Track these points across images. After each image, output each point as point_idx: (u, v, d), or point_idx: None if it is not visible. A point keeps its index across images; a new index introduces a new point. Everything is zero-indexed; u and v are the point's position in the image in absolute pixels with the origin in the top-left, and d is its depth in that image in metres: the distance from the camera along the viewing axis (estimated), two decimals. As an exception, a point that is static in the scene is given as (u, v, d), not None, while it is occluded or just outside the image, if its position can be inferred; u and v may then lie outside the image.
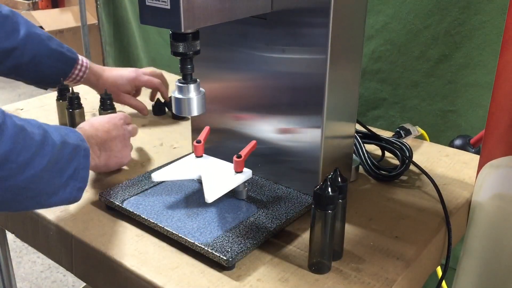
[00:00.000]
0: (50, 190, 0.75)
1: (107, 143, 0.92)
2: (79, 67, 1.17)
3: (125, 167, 1.03)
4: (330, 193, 0.71)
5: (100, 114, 1.14)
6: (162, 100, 1.29)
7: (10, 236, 1.26)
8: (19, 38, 1.06)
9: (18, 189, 0.70)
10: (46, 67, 1.12)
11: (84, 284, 1.79)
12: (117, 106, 1.19)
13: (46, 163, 0.72)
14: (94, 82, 1.22)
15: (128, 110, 1.28)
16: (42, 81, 1.16)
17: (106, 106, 1.13)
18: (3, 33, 1.05)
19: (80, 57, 1.18)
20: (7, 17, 1.06)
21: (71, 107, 1.05)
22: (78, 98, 1.06)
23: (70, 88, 1.10)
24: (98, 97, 1.42)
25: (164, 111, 1.29)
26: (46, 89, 1.20)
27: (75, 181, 0.78)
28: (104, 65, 2.45)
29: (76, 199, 0.80)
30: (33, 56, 1.09)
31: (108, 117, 0.96)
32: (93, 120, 0.94)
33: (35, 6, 4.45)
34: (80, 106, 1.06)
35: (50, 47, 1.11)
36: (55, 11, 4.28)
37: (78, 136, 0.81)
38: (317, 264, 0.75)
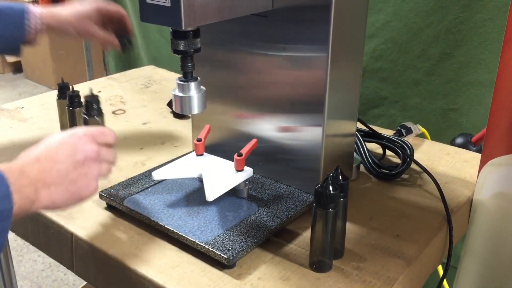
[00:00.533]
0: None
1: (50, 176, 0.68)
2: (32, 15, 1.01)
3: (124, 165, 1.03)
4: (331, 192, 0.70)
5: (83, 122, 0.97)
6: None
7: (11, 235, 1.26)
8: None
9: None
10: None
11: (85, 283, 1.80)
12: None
13: None
14: (54, 24, 1.04)
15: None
16: (2, 48, 1.03)
17: (92, 111, 0.96)
18: None
19: (28, 5, 1.03)
20: None
21: (71, 105, 1.05)
22: (78, 96, 1.06)
23: (70, 87, 1.09)
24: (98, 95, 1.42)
25: (131, 43, 1.12)
26: (16, 54, 1.05)
27: None
28: (105, 64, 2.45)
29: None
30: None
31: (62, 136, 0.72)
32: (41, 144, 0.71)
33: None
34: (80, 104, 1.05)
35: None
36: (56, 9, 4.27)
37: None
38: (318, 262, 0.75)
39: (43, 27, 1.03)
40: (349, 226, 0.81)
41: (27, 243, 2.36)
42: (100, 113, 0.98)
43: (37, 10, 1.03)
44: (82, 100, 1.02)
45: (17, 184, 0.64)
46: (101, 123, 0.97)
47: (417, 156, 1.05)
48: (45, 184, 0.67)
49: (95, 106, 0.96)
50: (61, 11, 1.05)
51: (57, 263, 2.38)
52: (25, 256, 2.33)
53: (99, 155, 0.73)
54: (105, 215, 0.87)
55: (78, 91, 1.06)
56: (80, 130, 0.73)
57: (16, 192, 0.63)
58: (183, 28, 0.69)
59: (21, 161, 0.68)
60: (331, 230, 0.73)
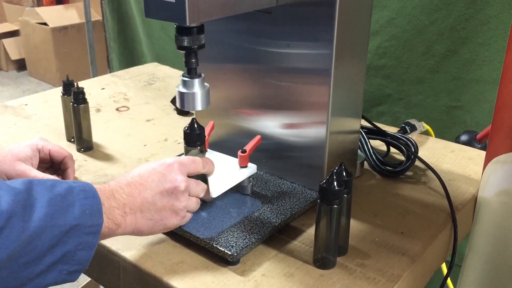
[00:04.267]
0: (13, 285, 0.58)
1: (136, 202, 0.69)
2: None
3: (127, 162, 1.03)
4: (336, 188, 0.70)
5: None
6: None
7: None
8: None
9: None
10: None
11: (89, 279, 1.80)
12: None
13: (5, 257, 0.56)
14: None
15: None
16: None
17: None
18: None
19: None
20: None
21: (75, 102, 1.05)
22: (83, 93, 1.06)
23: (75, 83, 1.10)
24: (102, 93, 1.42)
25: None
26: None
27: (64, 265, 0.61)
28: (108, 61, 2.45)
29: (66, 281, 0.63)
30: None
31: (155, 164, 0.73)
32: (136, 169, 0.72)
33: (39, 3, 4.46)
34: (85, 101, 1.05)
35: None
36: (59, 7, 4.28)
37: (88, 207, 0.63)
38: (322, 259, 0.75)
39: None
40: (353, 223, 0.81)
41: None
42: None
43: None
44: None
45: (106, 204, 0.65)
46: (200, 153, 0.87)
47: (421, 153, 1.05)
48: (132, 210, 0.68)
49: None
50: None
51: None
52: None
53: (188, 188, 0.73)
54: (109, 212, 0.87)
55: (82, 88, 1.06)
56: (172, 159, 0.74)
57: (105, 212, 0.65)
58: (188, 24, 0.69)
59: (113, 184, 0.69)
60: (336, 226, 0.73)
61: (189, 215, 0.76)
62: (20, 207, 0.58)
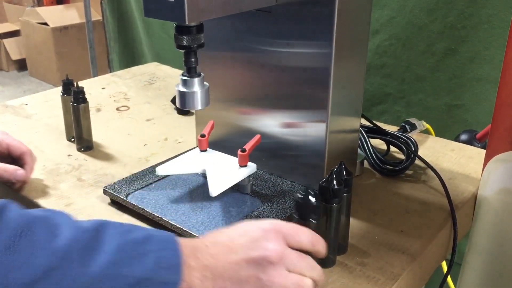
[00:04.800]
0: None
1: (219, 266, 0.56)
2: None
3: (128, 161, 1.03)
4: (336, 187, 0.70)
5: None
6: None
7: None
8: None
9: None
10: None
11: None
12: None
13: None
14: None
15: None
16: None
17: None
18: None
19: None
20: None
21: (75, 101, 1.05)
22: (82, 92, 1.06)
23: (75, 83, 1.10)
24: (102, 92, 1.43)
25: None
26: None
27: None
28: (108, 61, 2.46)
29: None
30: None
31: (254, 224, 0.60)
32: (231, 228, 0.60)
33: (40, 3, 4.46)
34: (85, 100, 1.05)
35: None
36: (60, 7, 4.29)
37: (162, 261, 0.53)
38: (322, 258, 0.74)
39: None
40: (353, 221, 0.81)
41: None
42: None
43: None
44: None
45: (186, 263, 0.55)
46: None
47: (421, 152, 1.05)
48: (214, 275, 0.56)
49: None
50: None
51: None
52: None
53: (283, 260, 0.57)
54: (109, 211, 0.87)
55: (82, 87, 1.06)
56: (270, 223, 0.60)
57: (183, 271, 0.54)
58: (187, 23, 0.69)
59: (198, 241, 0.59)
60: (335, 225, 0.73)
61: None
62: (81, 247, 0.51)
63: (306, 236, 0.61)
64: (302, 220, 0.68)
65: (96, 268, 0.50)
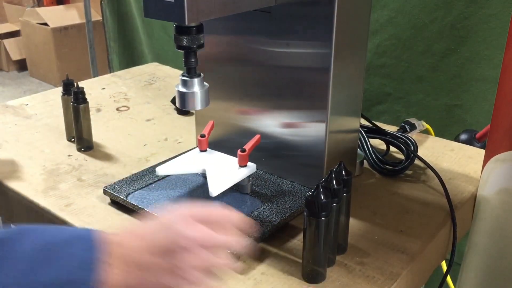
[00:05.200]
0: None
1: (132, 258, 0.57)
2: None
3: (128, 161, 1.04)
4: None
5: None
6: None
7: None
8: None
9: None
10: None
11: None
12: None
13: None
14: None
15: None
16: None
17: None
18: None
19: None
20: None
21: (75, 101, 1.05)
22: (83, 92, 1.06)
23: (75, 83, 1.10)
24: (102, 93, 1.43)
25: None
26: None
27: None
28: (108, 61, 2.46)
29: None
30: None
31: (166, 214, 0.61)
32: (140, 224, 0.63)
33: (40, 3, 4.46)
34: (85, 101, 1.06)
35: None
36: (60, 8, 4.28)
37: (86, 259, 0.54)
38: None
39: None
40: (352, 221, 0.81)
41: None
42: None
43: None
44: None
45: (102, 257, 0.55)
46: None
47: (421, 152, 1.05)
48: (131, 268, 0.56)
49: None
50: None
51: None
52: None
53: (193, 246, 0.58)
54: (109, 211, 0.88)
55: (82, 87, 1.06)
56: (183, 209, 0.61)
57: (99, 266, 0.54)
58: (187, 24, 0.69)
59: (115, 235, 0.59)
60: (335, 225, 0.72)
61: (192, 278, 0.58)
62: None
63: (219, 215, 0.62)
64: (312, 217, 0.68)
65: (10, 280, 0.50)
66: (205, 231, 0.58)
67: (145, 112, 1.29)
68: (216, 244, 0.59)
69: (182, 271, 0.57)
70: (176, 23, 0.72)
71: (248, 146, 0.86)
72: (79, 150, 1.08)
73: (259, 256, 0.77)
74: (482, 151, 0.98)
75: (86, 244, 0.55)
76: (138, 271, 0.57)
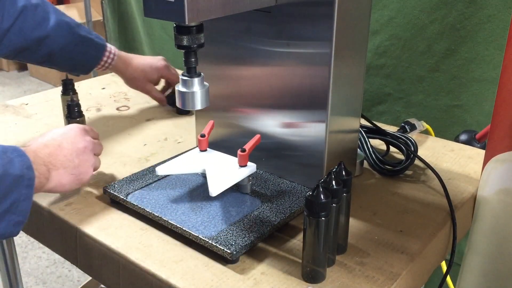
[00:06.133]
0: None
1: (58, 160, 0.80)
2: (107, 53, 1.15)
3: (127, 161, 1.04)
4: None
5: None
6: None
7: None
8: (50, 27, 1.05)
9: None
10: (77, 54, 1.11)
11: (90, 279, 1.80)
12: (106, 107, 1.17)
13: None
14: (122, 69, 1.21)
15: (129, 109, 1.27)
16: (74, 68, 1.14)
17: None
18: (34, 22, 1.04)
19: (108, 44, 1.17)
20: (37, 6, 1.05)
21: (70, 115, 1.04)
22: (78, 105, 1.05)
23: (71, 96, 1.09)
24: (103, 92, 1.43)
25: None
26: (78, 75, 1.17)
27: (12, 215, 0.70)
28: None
29: (12, 234, 0.72)
30: (64, 44, 1.08)
31: (63, 129, 0.85)
32: (45, 135, 0.83)
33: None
34: (80, 114, 1.05)
35: (79, 34, 1.10)
36: (60, 7, 4.28)
37: (24, 163, 0.72)
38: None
39: (111, 66, 1.19)
40: (352, 221, 0.82)
41: (32, 240, 2.37)
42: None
43: (114, 51, 1.18)
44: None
45: (33, 162, 0.74)
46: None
47: (421, 153, 1.05)
48: (55, 166, 0.79)
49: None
50: (132, 60, 1.23)
51: (62, 260, 2.38)
52: (30, 253, 2.34)
53: (94, 146, 0.87)
54: (109, 210, 0.88)
55: (77, 100, 1.06)
56: (77, 125, 0.87)
57: (35, 168, 0.73)
58: (187, 23, 0.69)
59: (32, 146, 0.79)
60: (334, 225, 0.73)
61: (91, 171, 0.87)
62: None
63: (95, 131, 0.92)
64: (312, 217, 0.68)
65: None
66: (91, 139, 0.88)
67: (145, 112, 1.30)
68: (100, 151, 0.91)
69: (91, 167, 0.86)
70: (176, 23, 0.72)
71: (248, 146, 0.86)
72: (79, 149, 1.08)
73: (259, 256, 0.77)
74: (482, 152, 0.98)
75: (18, 152, 0.72)
76: (62, 168, 0.80)
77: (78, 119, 1.05)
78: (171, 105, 1.29)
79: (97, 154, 0.89)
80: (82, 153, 0.84)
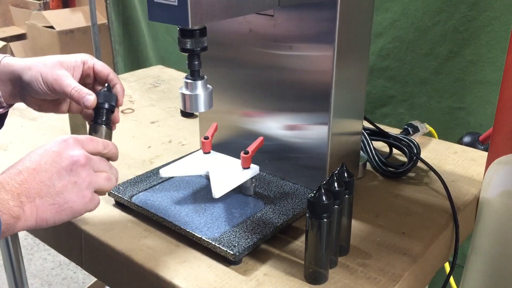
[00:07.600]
0: None
1: (32, 188, 0.61)
2: None
3: (132, 163, 1.04)
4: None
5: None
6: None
7: (21, 233, 1.27)
8: None
9: None
10: None
11: (94, 280, 1.81)
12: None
13: None
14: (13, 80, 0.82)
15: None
16: None
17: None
18: None
19: None
20: None
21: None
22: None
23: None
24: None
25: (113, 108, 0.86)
26: None
27: None
28: (113, 64, 2.47)
29: None
30: None
31: (46, 145, 0.65)
32: (24, 157, 0.64)
33: (46, 6, 4.48)
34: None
35: None
36: (66, 11, 4.31)
37: None
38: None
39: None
40: (355, 223, 0.82)
41: (37, 242, 2.38)
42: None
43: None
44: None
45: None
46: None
47: (424, 155, 1.06)
48: (29, 198, 0.61)
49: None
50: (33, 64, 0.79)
51: (67, 262, 2.38)
52: (36, 255, 2.35)
53: (90, 161, 0.65)
54: (113, 212, 0.88)
55: None
56: (64, 136, 0.66)
57: None
58: (190, 27, 0.70)
59: (1, 176, 0.62)
60: (337, 227, 0.73)
61: (97, 198, 0.66)
62: None
63: (98, 141, 0.69)
64: (314, 218, 0.68)
65: None
66: (86, 152, 0.66)
67: (149, 114, 1.30)
68: (106, 166, 0.69)
69: (86, 190, 0.65)
70: (179, 26, 0.73)
71: (251, 148, 0.86)
72: (84, 152, 1.08)
73: (262, 257, 0.77)
74: (485, 154, 0.98)
75: None
76: (39, 198, 0.61)
77: (103, 125, 0.79)
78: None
79: (101, 171, 0.68)
80: (68, 173, 0.63)
